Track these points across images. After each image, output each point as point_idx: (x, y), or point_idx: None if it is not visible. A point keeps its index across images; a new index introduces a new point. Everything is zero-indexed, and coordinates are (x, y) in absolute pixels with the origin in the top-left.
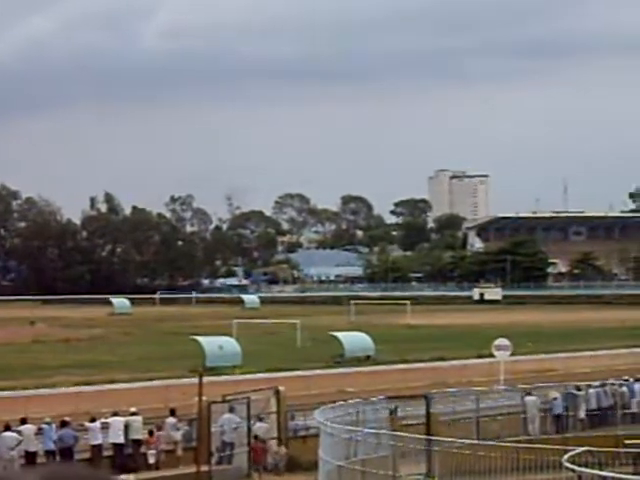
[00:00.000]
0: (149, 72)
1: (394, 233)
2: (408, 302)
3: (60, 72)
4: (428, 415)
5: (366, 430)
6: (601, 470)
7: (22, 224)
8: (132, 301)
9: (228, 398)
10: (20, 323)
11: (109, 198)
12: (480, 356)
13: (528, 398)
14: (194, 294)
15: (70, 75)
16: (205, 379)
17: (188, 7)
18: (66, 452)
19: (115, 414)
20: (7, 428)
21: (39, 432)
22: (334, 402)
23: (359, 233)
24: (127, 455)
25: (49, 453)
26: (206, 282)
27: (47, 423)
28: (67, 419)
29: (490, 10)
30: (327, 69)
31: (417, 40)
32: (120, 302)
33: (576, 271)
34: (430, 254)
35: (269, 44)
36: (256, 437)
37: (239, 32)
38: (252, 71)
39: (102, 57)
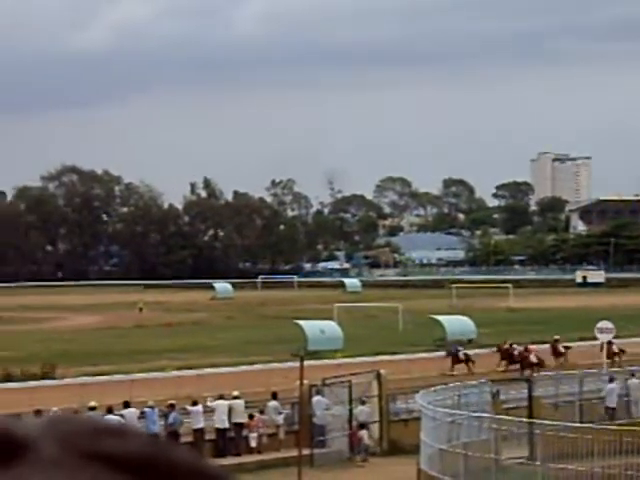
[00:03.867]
0: (246, 57)
1: (496, 216)
2: (510, 285)
3: (157, 58)
4: (530, 398)
5: (468, 413)
6: None
7: (124, 209)
8: (234, 285)
9: (328, 382)
10: (123, 308)
11: (208, 183)
12: (582, 339)
13: (632, 381)
14: (296, 278)
15: (167, 61)
16: (306, 363)
17: None
18: (173, 435)
19: (220, 397)
20: (110, 411)
21: (142, 416)
22: (436, 385)
23: (461, 216)
24: (229, 439)
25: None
26: (308, 266)
27: (150, 407)
28: (173, 402)
29: None
30: (421, 52)
31: (504, 23)
32: (222, 286)
33: None
34: (532, 237)
35: (365, 28)
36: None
37: (335, 16)
38: (349, 55)
39: (198, 43)
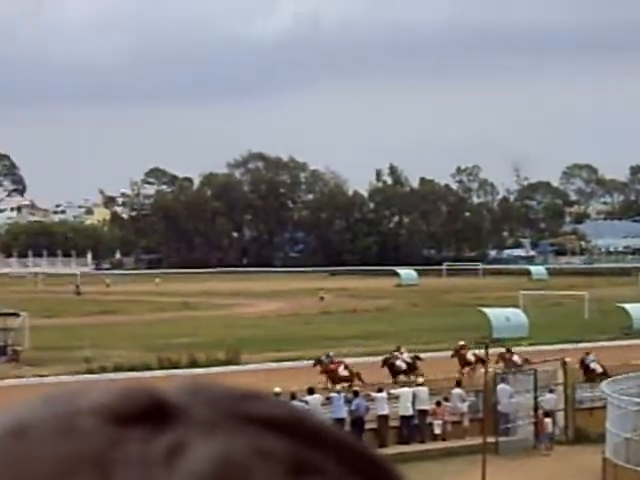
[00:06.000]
0: (439, 43)
1: None
2: None
3: (347, 43)
4: None
5: None
6: None
7: (310, 196)
8: (419, 272)
9: (514, 369)
10: (308, 294)
11: (394, 170)
12: None
13: None
14: (481, 265)
15: (358, 46)
16: (491, 351)
17: None
18: (358, 422)
19: (404, 385)
20: (293, 397)
21: (326, 402)
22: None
23: None
24: (414, 426)
25: (338, 421)
26: (493, 253)
27: (337, 392)
28: (358, 389)
29: None
30: (605, 39)
31: None
32: (407, 273)
33: None
34: None
35: (544, 13)
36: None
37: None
38: (544, 41)
39: (393, 29)
